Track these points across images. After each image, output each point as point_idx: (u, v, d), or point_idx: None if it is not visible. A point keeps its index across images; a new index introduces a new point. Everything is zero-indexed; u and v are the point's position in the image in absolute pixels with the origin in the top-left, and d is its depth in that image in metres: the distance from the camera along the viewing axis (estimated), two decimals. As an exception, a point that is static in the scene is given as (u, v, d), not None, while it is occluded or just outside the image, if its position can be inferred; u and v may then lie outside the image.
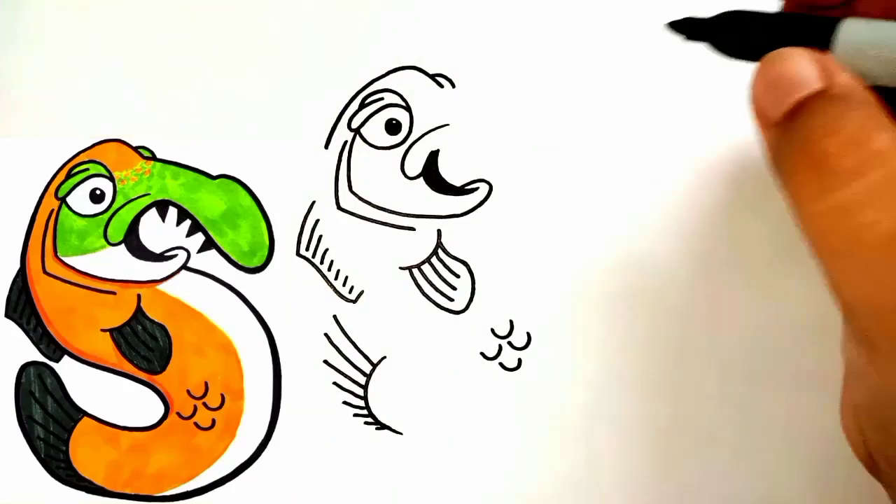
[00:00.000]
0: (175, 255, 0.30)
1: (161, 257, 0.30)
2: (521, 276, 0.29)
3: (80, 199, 0.30)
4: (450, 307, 0.29)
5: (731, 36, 0.20)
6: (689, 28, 0.21)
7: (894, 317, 0.15)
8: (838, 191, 0.15)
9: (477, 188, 0.29)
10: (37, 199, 0.30)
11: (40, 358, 0.29)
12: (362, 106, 0.30)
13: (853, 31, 0.17)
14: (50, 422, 0.29)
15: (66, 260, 0.30)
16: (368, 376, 0.29)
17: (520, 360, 0.29)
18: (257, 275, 0.29)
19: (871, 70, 0.17)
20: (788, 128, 0.17)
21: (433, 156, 0.29)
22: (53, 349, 0.29)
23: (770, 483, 0.28)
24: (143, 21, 0.31)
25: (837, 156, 0.15)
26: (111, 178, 0.30)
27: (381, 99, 0.30)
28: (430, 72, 0.30)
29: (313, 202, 0.30)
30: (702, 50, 0.21)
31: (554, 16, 0.29)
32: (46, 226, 0.30)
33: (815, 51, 0.17)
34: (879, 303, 0.15)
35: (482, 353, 0.29)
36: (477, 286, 0.29)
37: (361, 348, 0.29)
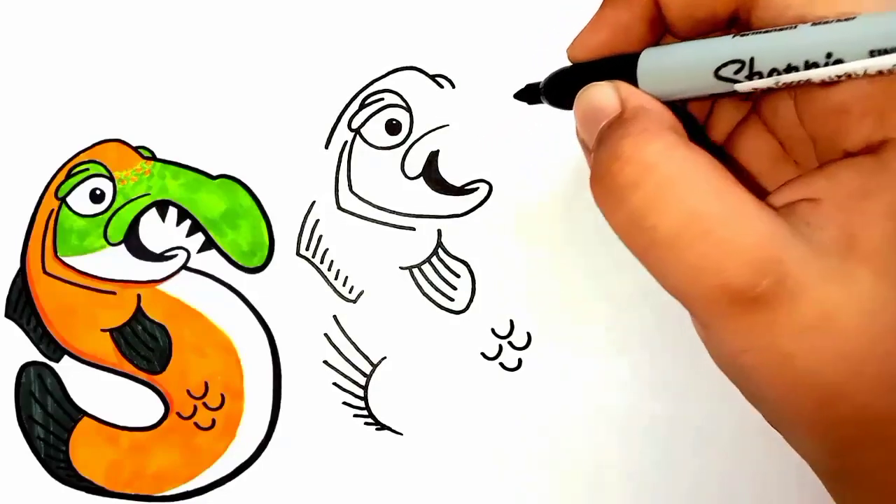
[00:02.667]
0: (175, 255, 0.30)
1: (161, 257, 0.30)
2: (521, 276, 0.29)
3: (80, 199, 0.30)
4: (450, 307, 0.29)
5: (559, 92, 0.23)
6: (529, 94, 0.24)
7: (697, 297, 0.17)
8: (623, 204, 0.17)
9: (477, 188, 0.29)
10: (37, 199, 0.30)
11: (40, 358, 0.29)
12: (362, 106, 0.30)
13: (650, 59, 0.20)
14: (50, 422, 0.29)
15: (66, 260, 0.30)
16: (368, 377, 0.29)
17: (520, 360, 0.29)
18: (257, 275, 0.29)
19: (670, 88, 0.19)
20: (595, 154, 0.19)
21: (433, 156, 0.29)
22: (53, 349, 0.29)
23: (769, 483, 0.28)
24: (143, 21, 0.31)
25: (617, 174, 0.17)
26: (111, 178, 0.30)
27: (382, 99, 0.30)
28: (430, 72, 0.30)
29: (313, 202, 0.30)
30: (545, 109, 0.24)
31: (554, 16, 0.29)
32: (46, 226, 0.30)
33: (619, 82, 0.20)
34: (683, 288, 0.17)
35: (482, 353, 0.29)
36: (477, 286, 0.29)
37: (361, 348, 0.29)
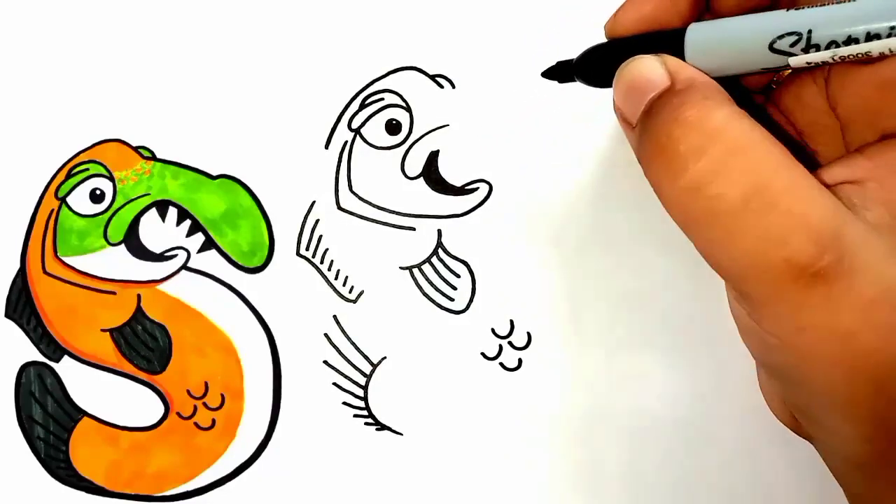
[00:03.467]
0: (175, 255, 0.30)
1: (161, 257, 0.30)
2: (521, 276, 0.29)
3: (80, 199, 0.30)
4: (450, 307, 0.29)
5: (596, 68, 0.22)
6: (560, 72, 0.24)
7: (757, 271, 0.16)
8: (686, 171, 0.17)
9: (477, 188, 0.29)
10: (37, 199, 0.30)
11: (40, 358, 0.29)
12: (362, 106, 0.30)
13: (698, 33, 0.19)
14: (50, 422, 0.29)
15: (66, 260, 0.30)
16: (368, 377, 0.29)
17: (520, 360, 0.29)
18: (257, 275, 0.29)
19: (720, 63, 0.19)
20: (644, 126, 0.18)
21: (433, 156, 0.29)
22: (53, 349, 0.29)
23: (770, 483, 0.28)
24: (143, 21, 0.31)
25: (680, 140, 0.17)
26: (111, 178, 0.30)
27: (382, 99, 0.30)
28: (430, 72, 0.30)
29: (313, 202, 0.30)
30: (577, 87, 0.23)
31: (554, 15, 0.29)
32: (46, 226, 0.30)
33: (666, 55, 0.19)
34: (743, 262, 0.17)
35: (483, 354, 0.29)
36: (477, 286, 0.29)
37: (361, 348, 0.29)
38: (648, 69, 0.19)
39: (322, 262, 0.29)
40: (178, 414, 0.29)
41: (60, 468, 0.29)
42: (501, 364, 0.29)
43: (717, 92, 0.18)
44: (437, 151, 0.29)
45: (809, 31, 0.17)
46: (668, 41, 0.20)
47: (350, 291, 0.29)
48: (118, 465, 0.29)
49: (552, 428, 0.28)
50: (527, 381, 0.28)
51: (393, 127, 0.30)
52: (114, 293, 0.29)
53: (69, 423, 0.29)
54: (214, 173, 0.30)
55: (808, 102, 0.21)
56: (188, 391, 0.29)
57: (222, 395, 0.29)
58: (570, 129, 0.29)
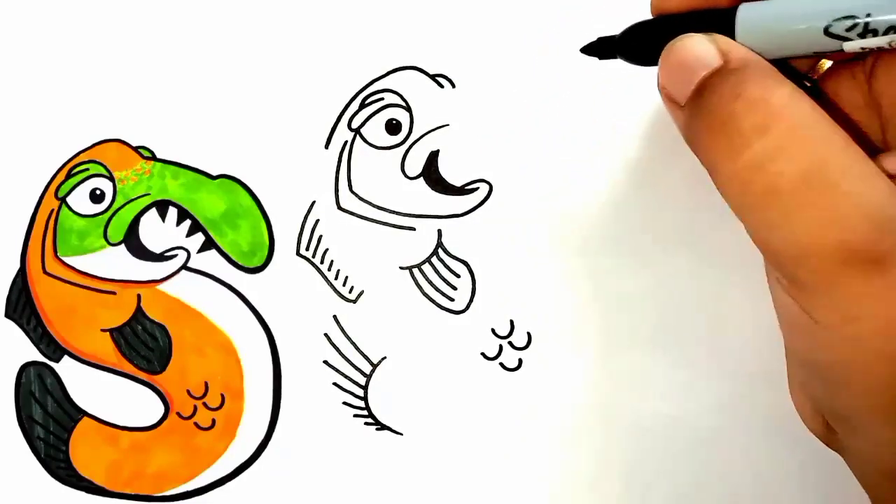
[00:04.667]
0: (175, 255, 0.30)
1: (161, 257, 0.29)
2: (521, 276, 0.29)
3: (80, 199, 0.30)
4: (450, 307, 0.29)
5: (640, 45, 0.22)
6: (601, 48, 0.23)
7: (813, 253, 0.16)
8: (748, 148, 0.16)
9: (477, 188, 0.29)
10: (37, 199, 0.30)
11: (40, 358, 0.29)
12: (362, 106, 0.30)
13: (750, 13, 0.19)
14: (50, 422, 0.29)
15: (66, 260, 0.30)
16: (368, 377, 0.29)
17: (520, 360, 0.29)
18: (257, 275, 0.29)
19: (771, 45, 0.19)
20: (696, 104, 0.18)
21: (433, 156, 0.29)
22: (53, 349, 0.29)
23: (771, 482, 0.28)
24: (143, 21, 0.31)
25: (742, 117, 0.17)
26: (111, 178, 0.30)
27: (382, 99, 0.30)
28: (430, 72, 0.30)
29: (313, 202, 0.30)
30: (618, 64, 0.23)
31: (554, 16, 0.29)
32: (46, 226, 0.30)
33: (717, 34, 0.19)
34: (800, 243, 0.16)
35: (483, 354, 0.29)
36: (477, 286, 0.29)
37: (361, 348, 0.29)
38: (700, 47, 0.18)
39: (322, 262, 0.29)
40: (178, 414, 0.29)
41: (60, 468, 0.29)
42: (501, 364, 0.29)
43: (774, 72, 0.17)
44: (437, 151, 0.29)
45: (868, 15, 0.17)
46: (717, 20, 0.19)
47: (350, 291, 0.29)
48: (118, 465, 0.29)
49: (552, 428, 0.28)
50: (527, 381, 0.28)
51: (393, 127, 0.30)
52: (114, 293, 0.29)
53: (69, 423, 0.29)
54: (214, 173, 0.30)
55: (848, 98, 0.20)
56: (188, 391, 0.29)
57: (222, 395, 0.29)
58: (569, 129, 0.29)
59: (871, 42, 0.17)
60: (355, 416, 0.29)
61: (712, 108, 0.17)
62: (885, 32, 0.17)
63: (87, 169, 0.30)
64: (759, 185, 0.16)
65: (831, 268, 0.16)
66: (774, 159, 0.16)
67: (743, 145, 0.17)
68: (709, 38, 0.19)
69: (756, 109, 0.17)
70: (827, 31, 0.18)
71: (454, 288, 0.29)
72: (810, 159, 0.16)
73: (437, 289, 0.29)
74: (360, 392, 0.29)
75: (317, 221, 0.29)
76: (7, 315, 0.30)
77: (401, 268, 0.29)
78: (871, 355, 0.16)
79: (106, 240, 0.30)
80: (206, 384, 0.29)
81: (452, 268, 0.29)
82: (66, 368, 0.29)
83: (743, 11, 0.19)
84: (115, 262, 0.30)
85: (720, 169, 0.18)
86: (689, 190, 0.28)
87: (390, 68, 0.30)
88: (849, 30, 0.17)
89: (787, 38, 0.18)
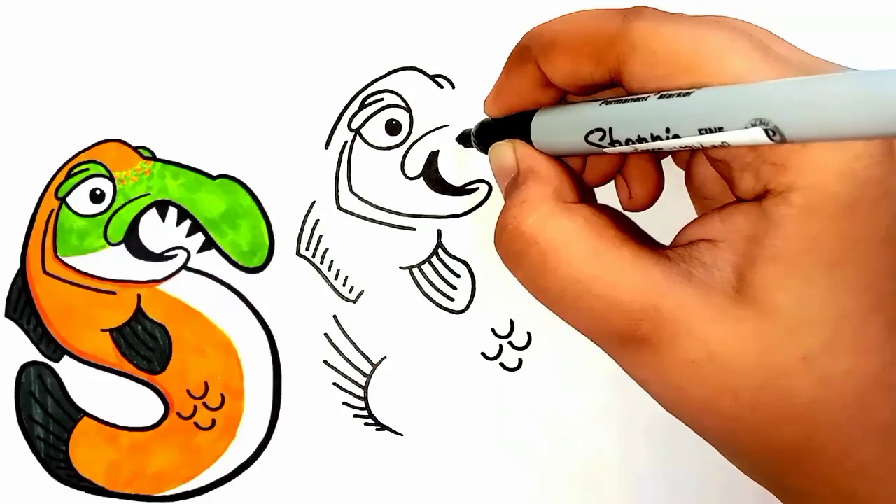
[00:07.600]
0: (175, 255, 0.30)
1: (161, 257, 0.30)
2: (521, 276, 0.29)
3: (80, 199, 0.30)
4: (450, 307, 0.29)
5: (484, 140, 0.24)
6: (464, 139, 0.27)
7: (601, 340, 0.19)
8: (518, 269, 0.20)
9: (477, 188, 0.29)
10: (37, 199, 0.30)
11: (40, 358, 0.29)
12: (362, 106, 0.30)
13: (541, 120, 0.21)
14: (50, 422, 0.29)
15: (66, 260, 0.30)
16: (368, 377, 0.29)
17: (520, 360, 0.29)
18: (257, 275, 0.29)
19: (555, 147, 0.21)
20: (500, 214, 0.21)
21: (433, 156, 0.29)
22: (53, 349, 0.29)
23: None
24: (143, 21, 0.31)
25: (509, 244, 0.20)
26: (111, 178, 0.30)
27: (382, 99, 0.30)
28: (430, 72, 0.30)
29: (313, 202, 0.30)
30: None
31: (554, 16, 0.29)
32: (46, 226, 0.30)
33: (517, 140, 0.22)
34: (588, 334, 0.19)
35: (483, 353, 0.29)
36: (477, 286, 0.29)
37: (361, 348, 0.29)
38: (502, 156, 0.22)
39: (322, 262, 0.29)
40: (178, 414, 0.29)
41: (60, 468, 0.29)
42: (501, 364, 0.29)
43: (544, 185, 0.20)
44: (437, 151, 0.29)
45: (610, 129, 0.18)
46: (522, 125, 0.22)
47: (350, 291, 0.29)
48: (118, 465, 0.29)
49: (552, 428, 0.28)
50: (527, 381, 0.28)
51: (393, 127, 0.30)
52: (114, 293, 0.29)
53: (69, 423, 0.29)
54: (214, 173, 0.30)
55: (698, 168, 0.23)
56: (188, 391, 0.29)
57: (222, 395, 0.29)
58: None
59: (623, 149, 0.18)
60: (355, 416, 0.29)
61: (498, 228, 0.20)
62: (627, 143, 0.18)
63: (87, 169, 0.30)
64: (536, 294, 0.20)
65: (613, 349, 0.19)
66: (536, 279, 0.19)
67: (515, 266, 0.20)
68: (511, 146, 0.22)
69: (514, 237, 0.19)
70: (587, 140, 0.19)
71: (454, 288, 0.29)
72: (560, 276, 0.19)
73: (437, 289, 0.29)
74: (360, 392, 0.29)
75: (317, 221, 0.29)
76: (7, 315, 0.30)
77: (401, 268, 0.29)
78: (670, 411, 0.19)
79: (106, 240, 0.30)
80: (206, 384, 0.29)
81: (452, 268, 0.29)
82: (66, 368, 0.29)
83: (535, 120, 0.21)
84: (115, 262, 0.30)
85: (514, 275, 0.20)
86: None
87: (390, 69, 0.30)
88: (601, 139, 0.19)
89: (563, 143, 0.20)
